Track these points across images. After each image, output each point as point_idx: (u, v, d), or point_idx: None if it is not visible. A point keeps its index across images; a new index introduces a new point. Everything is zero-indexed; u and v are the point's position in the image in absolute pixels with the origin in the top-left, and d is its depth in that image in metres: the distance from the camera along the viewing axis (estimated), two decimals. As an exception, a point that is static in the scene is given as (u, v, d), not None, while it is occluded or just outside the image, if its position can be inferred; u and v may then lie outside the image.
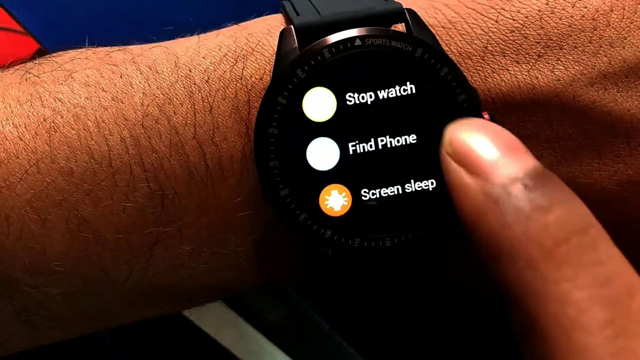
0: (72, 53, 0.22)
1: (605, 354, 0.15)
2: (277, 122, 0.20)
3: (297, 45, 0.20)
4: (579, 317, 0.15)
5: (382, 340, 0.33)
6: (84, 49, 0.23)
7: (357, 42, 0.20)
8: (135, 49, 0.22)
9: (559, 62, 0.21)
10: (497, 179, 0.16)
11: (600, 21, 0.21)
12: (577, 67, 0.21)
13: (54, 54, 0.23)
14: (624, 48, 0.21)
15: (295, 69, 0.19)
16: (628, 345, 0.15)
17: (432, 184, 0.20)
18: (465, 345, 0.32)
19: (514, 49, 0.21)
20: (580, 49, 0.21)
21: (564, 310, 0.15)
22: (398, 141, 0.20)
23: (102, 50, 0.23)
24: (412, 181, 0.20)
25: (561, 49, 0.21)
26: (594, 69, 0.21)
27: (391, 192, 0.20)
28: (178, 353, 0.33)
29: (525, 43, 0.21)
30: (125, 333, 0.31)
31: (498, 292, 0.21)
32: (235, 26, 0.23)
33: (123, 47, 0.23)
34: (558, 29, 0.21)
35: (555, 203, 0.16)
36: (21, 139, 0.20)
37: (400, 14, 0.21)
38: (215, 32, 0.23)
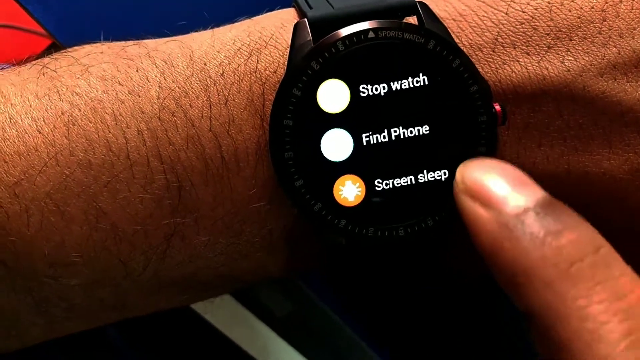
0: (88, 48, 0.23)
1: None
2: (292, 114, 0.20)
3: (311, 37, 0.20)
4: (598, 330, 0.16)
5: (393, 333, 0.33)
6: (98, 44, 0.23)
7: (370, 35, 0.20)
8: (150, 43, 0.23)
9: (569, 53, 0.21)
10: (510, 210, 0.18)
11: (609, 12, 0.21)
12: (587, 58, 0.21)
13: (70, 49, 0.23)
14: (633, 38, 0.21)
15: (309, 61, 0.20)
16: None
17: (444, 174, 0.20)
18: (475, 337, 0.32)
19: (524, 40, 0.21)
20: (590, 39, 0.21)
21: (583, 325, 0.16)
22: (411, 132, 0.20)
23: (117, 44, 0.23)
24: (425, 171, 0.20)
25: (571, 40, 0.21)
26: (603, 59, 0.21)
27: (404, 182, 0.20)
28: (188, 348, 0.33)
29: (535, 35, 0.21)
30: (134, 327, 0.31)
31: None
32: (248, 20, 0.23)
33: (138, 41, 0.23)
34: (567, 21, 0.21)
35: (566, 227, 0.17)
36: (40, 132, 0.20)
37: (412, 6, 0.21)
38: (228, 26, 0.23)
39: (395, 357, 0.34)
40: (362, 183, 0.20)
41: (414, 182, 0.20)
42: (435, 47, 0.20)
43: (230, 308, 0.34)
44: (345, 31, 0.20)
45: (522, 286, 0.17)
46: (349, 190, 0.20)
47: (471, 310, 0.31)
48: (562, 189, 0.22)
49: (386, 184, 0.20)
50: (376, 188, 0.20)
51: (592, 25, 0.21)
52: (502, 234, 0.17)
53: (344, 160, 0.20)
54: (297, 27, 0.21)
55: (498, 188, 0.18)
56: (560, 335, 0.16)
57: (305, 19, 0.21)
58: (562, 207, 0.18)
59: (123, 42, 0.23)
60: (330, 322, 0.34)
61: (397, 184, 0.20)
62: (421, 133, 0.20)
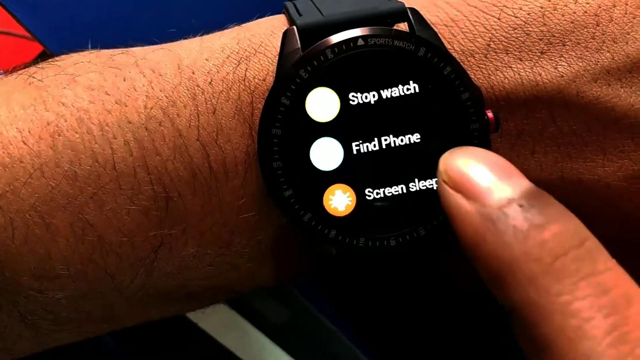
0: (75, 57, 0.22)
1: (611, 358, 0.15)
2: (281, 123, 0.20)
3: (300, 45, 0.20)
4: (582, 326, 0.16)
5: (388, 340, 0.33)
6: (86, 52, 0.23)
7: (360, 42, 0.20)
8: (138, 51, 0.22)
9: (562, 58, 0.21)
10: (493, 202, 0.17)
11: (603, 17, 0.21)
12: (580, 64, 0.21)
13: (57, 58, 0.23)
14: (627, 43, 0.21)
15: (298, 70, 0.19)
16: (632, 352, 0.15)
17: (436, 182, 0.20)
18: (470, 345, 0.32)
19: (517, 46, 0.21)
20: (583, 45, 0.21)
21: (567, 321, 0.16)
22: (402, 140, 0.20)
23: (105, 53, 0.23)
24: (416, 180, 0.20)
25: (564, 45, 0.21)
26: (597, 64, 0.21)
27: (395, 192, 0.20)
28: (182, 355, 0.33)
29: (527, 40, 0.21)
30: (129, 335, 0.31)
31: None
32: (237, 27, 0.23)
33: (126, 49, 0.23)
34: (560, 26, 0.21)
35: (550, 220, 0.17)
36: (25, 143, 0.20)
37: (402, 13, 0.21)
38: (218, 33, 0.23)
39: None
40: (353, 192, 0.20)
41: (405, 191, 0.20)
42: (425, 54, 0.20)
43: (224, 314, 0.34)
44: (334, 39, 0.20)
45: (504, 281, 0.17)
46: (339, 200, 0.20)
47: (467, 318, 0.31)
48: (556, 196, 0.22)
49: (377, 193, 0.20)
50: (367, 197, 0.20)
51: (585, 30, 0.21)
52: (485, 227, 0.17)
53: (334, 170, 0.20)
54: (285, 35, 0.20)
55: (481, 179, 0.17)
56: (543, 332, 0.16)
57: (294, 27, 0.20)
58: (547, 199, 0.17)
59: (111, 51, 0.23)
60: (325, 328, 0.33)
61: (388, 193, 0.20)
62: (412, 141, 0.20)
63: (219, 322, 0.33)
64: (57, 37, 0.30)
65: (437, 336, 0.31)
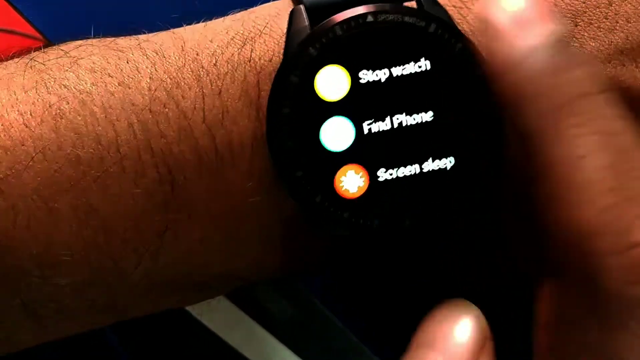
0: (78, 42, 0.22)
1: (604, 188, 0.16)
2: (290, 102, 0.19)
3: (308, 23, 0.20)
4: (585, 156, 0.17)
5: (396, 338, 0.33)
6: (90, 38, 0.22)
7: (369, 19, 0.19)
8: (141, 35, 0.22)
9: (575, 39, 0.21)
10: (526, 41, 0.18)
11: None
12: (593, 44, 0.21)
13: (60, 44, 0.22)
14: None
15: (307, 47, 0.19)
16: (628, 185, 0.17)
17: (450, 162, 0.20)
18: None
19: None
20: (596, 25, 0.21)
21: (571, 150, 0.17)
22: (414, 119, 0.20)
23: (108, 38, 0.22)
24: (430, 159, 0.20)
25: (576, 25, 0.21)
26: (610, 45, 0.21)
27: (409, 172, 0.20)
28: (186, 352, 0.32)
29: None
30: (132, 332, 0.31)
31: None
32: (242, 12, 0.23)
33: (129, 36, 0.22)
34: (572, 6, 0.21)
35: (578, 64, 0.18)
36: (27, 126, 0.20)
37: None
38: (222, 18, 0.23)
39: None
40: (365, 173, 0.20)
41: (418, 171, 0.20)
42: (436, 30, 0.19)
43: (228, 312, 0.33)
44: (342, 15, 0.19)
45: (524, 109, 0.18)
46: (351, 181, 0.19)
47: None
48: None
49: (390, 174, 0.20)
50: (379, 178, 0.20)
51: (597, 10, 0.21)
52: (514, 60, 0.18)
53: (345, 150, 0.19)
54: (293, 14, 0.20)
55: (509, 20, 0.18)
56: (547, 158, 0.17)
57: (302, 5, 0.20)
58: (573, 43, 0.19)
59: (114, 37, 0.22)
60: (331, 325, 0.33)
61: (402, 173, 0.20)
62: (425, 120, 0.20)
63: (223, 319, 0.33)
64: (59, 29, 0.30)
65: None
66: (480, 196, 0.20)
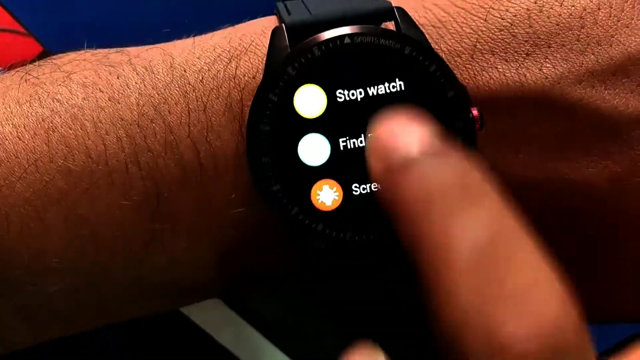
0: (72, 55, 0.23)
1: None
2: (269, 119, 0.20)
3: (288, 43, 0.20)
4: (449, 247, 0.14)
5: (385, 338, 0.33)
6: (83, 51, 0.23)
7: (347, 40, 0.20)
8: (132, 50, 0.23)
9: (547, 60, 0.21)
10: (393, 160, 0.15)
11: (588, 19, 0.22)
12: (565, 65, 0.21)
13: (54, 56, 0.23)
14: (611, 46, 0.21)
15: (286, 66, 0.20)
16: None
17: None
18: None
19: (503, 47, 0.21)
20: (568, 47, 0.21)
21: (437, 240, 0.14)
22: None
23: (101, 52, 0.23)
24: None
25: (549, 47, 0.21)
26: (581, 67, 0.21)
27: None
28: (177, 351, 0.33)
29: (513, 41, 0.22)
30: (125, 330, 0.31)
31: None
32: (230, 28, 0.23)
33: (121, 49, 0.23)
34: (546, 28, 0.22)
35: (445, 167, 0.15)
36: (20, 139, 0.20)
37: (389, 12, 0.21)
38: (210, 34, 0.23)
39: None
40: (339, 187, 0.20)
41: None
42: (411, 52, 0.20)
43: (219, 311, 0.34)
44: (322, 36, 0.20)
45: (398, 220, 0.15)
46: (327, 195, 0.20)
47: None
48: (541, 196, 0.22)
49: (363, 189, 0.20)
50: (353, 192, 0.20)
51: (570, 32, 0.21)
52: (388, 177, 0.15)
53: (321, 165, 0.20)
54: (274, 33, 0.21)
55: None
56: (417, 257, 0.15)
57: (283, 25, 0.21)
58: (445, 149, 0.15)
59: (107, 50, 0.23)
60: (320, 326, 0.33)
61: (375, 188, 0.20)
62: None
63: (214, 318, 0.34)
64: (55, 37, 0.31)
65: (424, 331, 0.31)
66: None
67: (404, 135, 0.15)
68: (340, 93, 0.20)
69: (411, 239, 0.15)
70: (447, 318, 0.14)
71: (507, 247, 0.14)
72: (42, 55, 0.35)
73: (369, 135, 0.19)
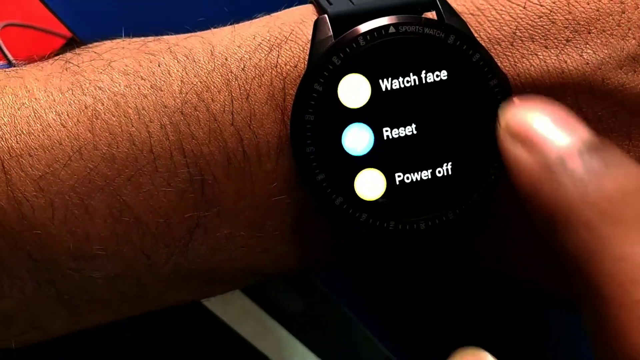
0: (109, 44, 0.23)
1: None
2: (313, 109, 0.20)
3: (332, 33, 0.20)
4: (633, 271, 0.15)
5: (406, 329, 0.33)
6: (119, 40, 0.23)
7: (391, 30, 0.20)
8: (170, 38, 0.23)
9: (588, 46, 0.21)
10: (554, 151, 0.18)
11: (629, 4, 0.21)
12: (606, 51, 0.21)
13: (91, 45, 0.23)
14: None
15: (330, 56, 0.20)
16: None
17: (455, 167, 0.21)
18: (495, 329, 0.32)
19: (543, 34, 0.21)
20: (609, 32, 0.21)
21: (619, 266, 0.15)
22: (430, 126, 0.20)
23: (138, 40, 0.23)
24: (444, 165, 0.21)
25: (589, 33, 0.21)
26: (622, 51, 0.21)
27: (425, 176, 0.21)
28: (199, 344, 0.33)
29: (553, 28, 0.22)
30: (145, 323, 0.31)
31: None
32: (267, 16, 0.24)
33: (158, 37, 0.23)
34: (586, 13, 0.22)
35: (609, 167, 0.17)
36: (64, 126, 0.20)
37: (431, 2, 0.21)
38: (248, 22, 0.23)
39: (410, 356, 0.34)
40: (383, 177, 0.20)
41: (433, 175, 0.21)
42: (455, 41, 0.20)
43: (241, 304, 0.34)
44: (366, 26, 0.20)
45: (560, 228, 0.17)
46: (370, 184, 0.20)
47: (491, 308, 0.31)
48: None
49: (407, 178, 0.21)
50: (397, 182, 0.20)
51: (610, 17, 0.21)
52: (544, 176, 0.17)
53: (364, 155, 0.20)
54: (317, 23, 0.21)
55: (541, 128, 0.18)
56: (594, 279, 0.16)
57: (326, 15, 0.21)
58: (607, 146, 0.17)
59: (143, 38, 0.23)
60: (342, 318, 0.34)
61: (417, 177, 0.21)
62: (440, 127, 0.20)
63: (236, 311, 0.34)
64: (86, 26, 0.31)
65: (460, 323, 0.31)
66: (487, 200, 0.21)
67: (564, 127, 0.17)
68: (384, 83, 0.20)
69: (577, 252, 0.16)
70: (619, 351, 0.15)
71: None
72: (70, 43, 0.35)
73: (509, 118, 0.19)
